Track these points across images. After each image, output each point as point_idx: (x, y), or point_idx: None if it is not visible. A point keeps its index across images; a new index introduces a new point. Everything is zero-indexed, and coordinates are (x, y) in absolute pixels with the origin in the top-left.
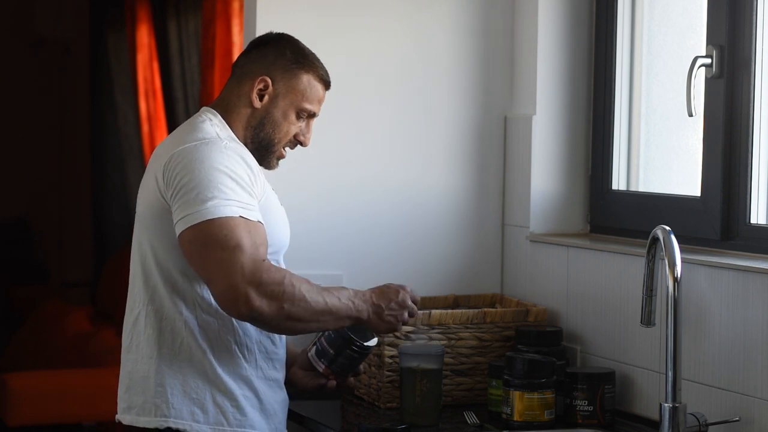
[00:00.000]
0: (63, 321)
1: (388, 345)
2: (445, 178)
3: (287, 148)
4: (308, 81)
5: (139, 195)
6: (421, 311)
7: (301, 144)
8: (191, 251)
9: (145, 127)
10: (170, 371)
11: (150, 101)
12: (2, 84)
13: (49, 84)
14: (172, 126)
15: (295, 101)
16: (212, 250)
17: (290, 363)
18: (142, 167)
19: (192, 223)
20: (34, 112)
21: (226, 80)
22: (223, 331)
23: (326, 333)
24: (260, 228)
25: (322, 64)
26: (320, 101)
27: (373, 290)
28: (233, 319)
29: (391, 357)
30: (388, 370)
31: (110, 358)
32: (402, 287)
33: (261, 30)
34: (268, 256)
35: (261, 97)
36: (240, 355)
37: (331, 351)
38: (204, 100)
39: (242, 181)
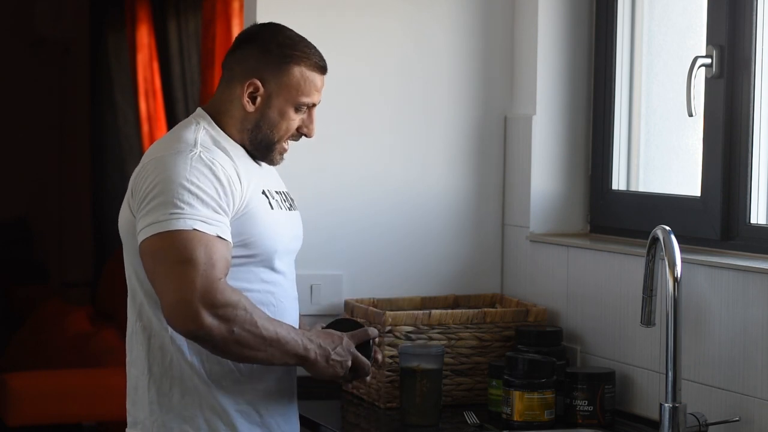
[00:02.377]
0: (63, 321)
1: (388, 345)
2: (445, 178)
3: (291, 141)
4: (301, 73)
5: (121, 208)
6: (421, 311)
7: (306, 136)
8: (146, 264)
9: (145, 127)
10: (161, 389)
11: (150, 101)
12: (2, 84)
13: (49, 84)
14: (172, 126)
15: (291, 97)
16: (164, 264)
17: None
18: None
19: (146, 236)
20: (34, 112)
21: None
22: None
23: None
24: (219, 244)
25: (314, 49)
26: (318, 90)
27: (318, 333)
28: None
29: (391, 357)
30: (388, 370)
31: (110, 358)
32: (344, 335)
33: None
34: (254, 262)
35: (254, 100)
36: (234, 368)
37: None
38: (204, 100)
39: (205, 195)
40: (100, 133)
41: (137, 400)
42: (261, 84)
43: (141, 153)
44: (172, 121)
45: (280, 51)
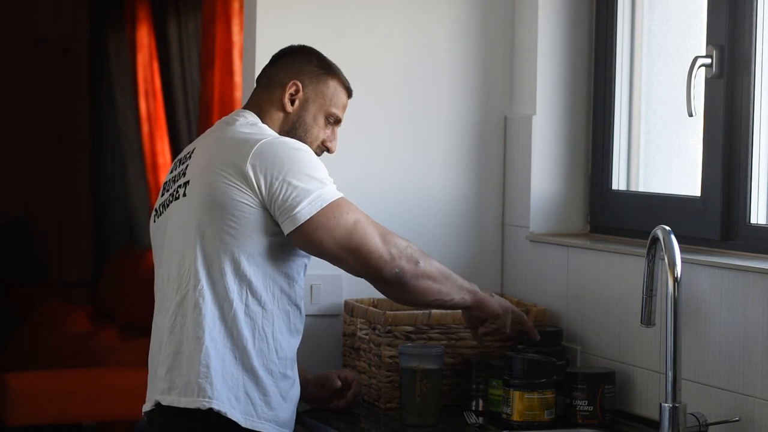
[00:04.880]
0: (63, 321)
1: (388, 345)
2: (445, 178)
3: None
4: (334, 87)
5: (193, 181)
6: (421, 311)
7: (328, 150)
8: (314, 240)
9: (145, 127)
10: (215, 354)
11: (150, 101)
12: (2, 84)
13: (49, 84)
14: (172, 126)
15: (324, 106)
16: (340, 231)
17: (302, 384)
18: (142, 167)
19: (309, 216)
20: (34, 112)
21: (227, 80)
22: (266, 323)
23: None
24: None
25: (343, 73)
26: (344, 108)
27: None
28: (273, 313)
29: (391, 357)
30: (388, 370)
31: (110, 358)
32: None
33: (261, 31)
34: (305, 259)
35: (292, 102)
36: (274, 350)
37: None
38: (204, 100)
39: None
40: (100, 133)
41: (177, 365)
42: (301, 87)
43: (141, 153)
44: (172, 121)
45: (320, 63)
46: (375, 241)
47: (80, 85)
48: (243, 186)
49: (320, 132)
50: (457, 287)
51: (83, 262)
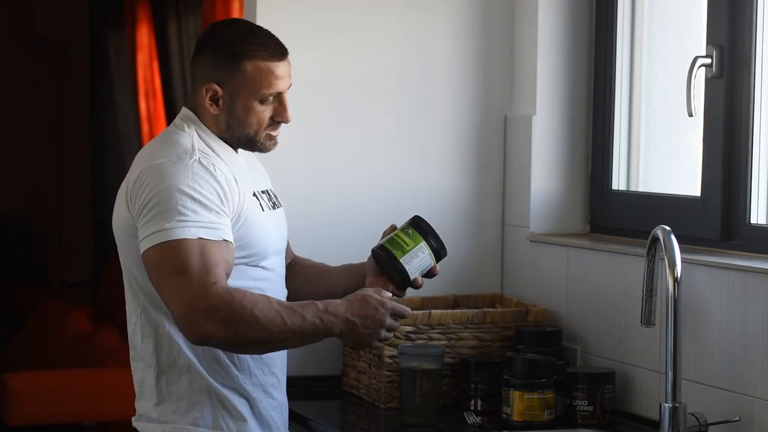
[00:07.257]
0: (63, 321)
1: (389, 345)
2: (445, 178)
3: (273, 131)
4: (254, 67)
5: (114, 208)
6: (421, 311)
7: (283, 122)
8: (149, 273)
9: (145, 127)
10: (170, 379)
11: (150, 101)
12: (2, 84)
13: (49, 84)
14: None
15: (251, 92)
16: (163, 274)
17: (361, 277)
18: None
19: (149, 246)
20: (34, 112)
21: None
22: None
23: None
24: (217, 247)
25: (266, 39)
26: (280, 77)
27: (349, 302)
28: None
29: (391, 357)
30: (388, 370)
31: (110, 358)
32: (383, 303)
33: None
34: (248, 262)
35: (216, 102)
36: (230, 365)
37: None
38: None
39: (206, 200)
40: (100, 133)
41: (142, 393)
42: (218, 86)
43: None
44: (171, 121)
45: (230, 50)
46: (186, 302)
47: (80, 85)
48: (128, 216)
49: (261, 115)
50: (301, 339)
51: (83, 262)
